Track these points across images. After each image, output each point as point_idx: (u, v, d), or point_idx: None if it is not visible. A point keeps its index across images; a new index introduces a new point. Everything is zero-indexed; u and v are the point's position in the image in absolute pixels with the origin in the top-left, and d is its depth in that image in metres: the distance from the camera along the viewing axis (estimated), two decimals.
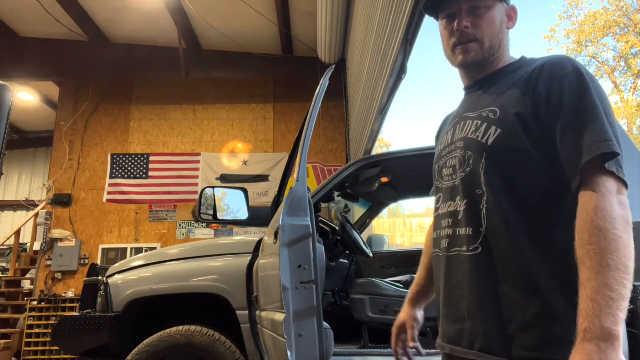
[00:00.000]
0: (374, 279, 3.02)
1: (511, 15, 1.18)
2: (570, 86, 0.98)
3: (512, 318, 0.96)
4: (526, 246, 0.97)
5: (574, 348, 0.82)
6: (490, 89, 1.13)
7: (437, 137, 1.39)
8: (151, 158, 8.40)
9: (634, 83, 16.89)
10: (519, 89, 1.05)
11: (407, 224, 15.66)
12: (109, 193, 8.21)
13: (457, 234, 1.09)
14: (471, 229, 1.05)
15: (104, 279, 2.99)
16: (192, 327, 2.69)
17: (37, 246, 8.07)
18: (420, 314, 1.42)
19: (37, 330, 6.76)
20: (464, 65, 1.16)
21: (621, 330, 0.81)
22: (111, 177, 8.29)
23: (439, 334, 1.20)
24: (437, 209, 1.19)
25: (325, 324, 1.98)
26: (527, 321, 0.94)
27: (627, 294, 0.82)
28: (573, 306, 0.86)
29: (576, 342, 0.82)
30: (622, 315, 0.81)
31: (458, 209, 1.10)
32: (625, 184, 0.91)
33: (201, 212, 2.86)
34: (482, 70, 1.17)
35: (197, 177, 8.29)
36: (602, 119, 0.94)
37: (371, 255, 3.42)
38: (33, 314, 6.81)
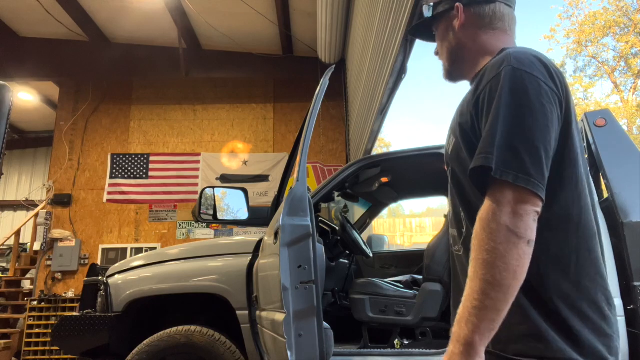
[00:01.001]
0: (374, 279, 3.02)
1: (455, 15, 1.16)
2: (490, 92, 0.96)
3: None
4: None
5: None
6: (469, 92, 1.16)
7: None
8: (151, 158, 8.40)
9: (634, 83, 16.89)
10: (468, 96, 1.07)
11: (407, 224, 15.67)
12: (109, 193, 8.21)
13: (452, 233, 1.16)
14: (456, 230, 1.11)
15: (104, 279, 2.99)
16: (192, 327, 2.69)
17: (37, 246, 8.06)
18: None
19: (37, 330, 6.76)
20: (447, 81, 1.24)
21: (478, 340, 0.83)
22: (111, 177, 8.29)
23: None
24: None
25: (325, 324, 1.98)
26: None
27: (492, 304, 0.83)
28: (530, 304, 0.92)
29: None
30: (484, 325, 0.83)
31: (449, 211, 1.17)
32: (530, 191, 0.86)
33: (201, 212, 2.87)
34: (467, 76, 1.20)
35: (197, 177, 8.28)
36: (494, 128, 0.90)
37: (371, 255, 3.42)
38: (33, 314, 6.82)
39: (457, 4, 1.15)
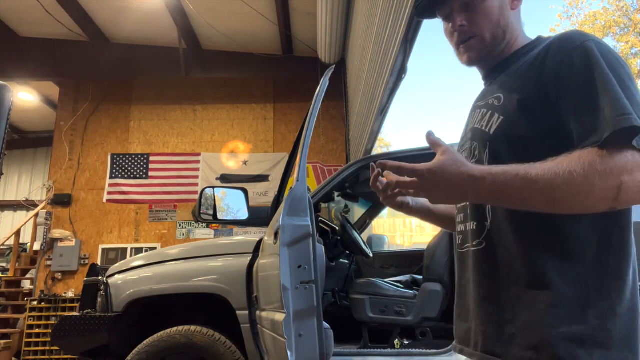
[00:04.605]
0: (374, 279, 3.02)
1: None
2: (580, 60, 0.88)
3: (516, 317, 0.91)
4: (533, 242, 0.92)
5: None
6: (501, 75, 1.07)
7: None
8: (151, 158, 8.39)
9: None
10: (525, 72, 0.98)
11: (407, 224, 15.65)
12: (109, 193, 8.21)
13: (466, 229, 1.06)
14: (475, 223, 1.02)
15: (104, 279, 2.99)
16: (192, 327, 2.69)
17: (37, 246, 8.06)
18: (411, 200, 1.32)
19: (37, 330, 6.76)
20: (470, 64, 1.12)
21: (481, 184, 0.81)
22: (111, 177, 8.29)
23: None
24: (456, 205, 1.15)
25: (325, 324, 1.98)
26: (532, 319, 0.88)
27: (537, 190, 0.79)
28: (582, 304, 0.84)
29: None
30: (507, 189, 0.81)
31: (467, 204, 1.06)
32: None
33: (201, 212, 2.86)
34: (493, 60, 1.11)
35: (197, 177, 8.28)
36: (616, 91, 0.82)
37: (371, 255, 3.42)
38: (33, 314, 6.81)
39: None
